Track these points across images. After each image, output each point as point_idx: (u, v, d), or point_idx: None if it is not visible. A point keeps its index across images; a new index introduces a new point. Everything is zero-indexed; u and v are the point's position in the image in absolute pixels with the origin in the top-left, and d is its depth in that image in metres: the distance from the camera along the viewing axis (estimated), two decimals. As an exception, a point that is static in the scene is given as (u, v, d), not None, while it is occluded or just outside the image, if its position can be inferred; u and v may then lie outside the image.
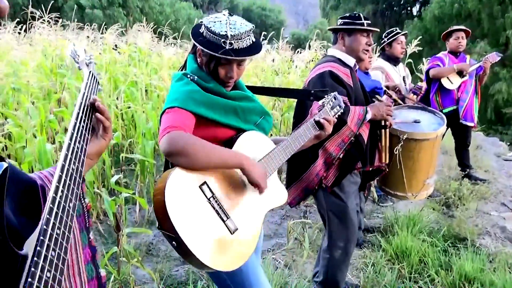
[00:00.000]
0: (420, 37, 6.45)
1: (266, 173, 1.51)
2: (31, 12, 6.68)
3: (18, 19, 6.57)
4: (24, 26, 6.49)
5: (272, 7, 35.36)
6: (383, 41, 3.85)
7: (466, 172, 4.66)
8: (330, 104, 1.85)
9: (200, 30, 1.50)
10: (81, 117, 1.00)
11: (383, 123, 2.45)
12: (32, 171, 3.23)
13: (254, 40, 1.51)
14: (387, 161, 2.54)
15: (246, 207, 1.50)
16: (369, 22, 2.33)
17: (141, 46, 5.98)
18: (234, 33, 1.44)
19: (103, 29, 6.95)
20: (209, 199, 1.38)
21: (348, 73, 2.26)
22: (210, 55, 1.48)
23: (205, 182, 1.39)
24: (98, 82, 1.22)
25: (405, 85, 3.81)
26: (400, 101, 3.35)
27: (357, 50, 2.31)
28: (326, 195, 2.32)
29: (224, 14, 1.52)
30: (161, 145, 1.34)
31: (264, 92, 2.23)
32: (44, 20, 6.23)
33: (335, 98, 1.88)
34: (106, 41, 6.25)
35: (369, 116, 2.25)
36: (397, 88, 3.40)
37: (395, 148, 2.80)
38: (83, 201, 1.04)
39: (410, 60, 6.19)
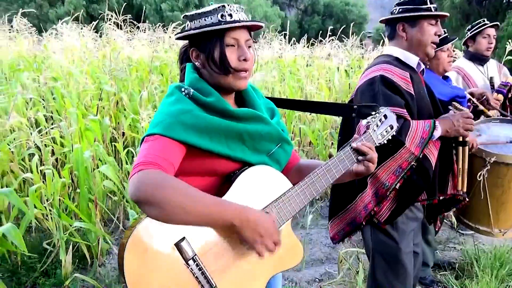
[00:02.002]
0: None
1: (271, 231, 1.10)
2: (107, 15, 6.96)
3: (94, 22, 6.86)
4: (97, 28, 6.77)
5: (355, 2, 33.83)
6: (466, 35, 3.15)
7: None
8: (377, 125, 1.39)
9: (186, 29, 1.21)
10: None
11: (461, 139, 1.92)
12: (72, 179, 3.22)
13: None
14: (465, 189, 1.98)
15: (242, 272, 1.13)
16: (435, 5, 1.82)
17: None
18: (229, 4, 1.16)
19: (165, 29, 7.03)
20: (187, 262, 1.04)
21: (407, 77, 1.77)
22: (211, 41, 1.16)
23: (184, 238, 1.05)
24: None
25: (494, 87, 3.09)
26: (489, 113, 2.69)
27: (425, 43, 1.82)
28: (373, 231, 1.86)
29: None
30: (129, 187, 1.02)
31: (293, 106, 1.83)
32: (114, 22, 6.42)
33: (385, 117, 1.42)
34: (171, 41, 6.25)
35: (437, 133, 1.75)
36: (485, 97, 2.72)
37: (479, 173, 2.24)
38: None
39: (510, 57, 5.22)
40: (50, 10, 18.38)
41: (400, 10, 1.85)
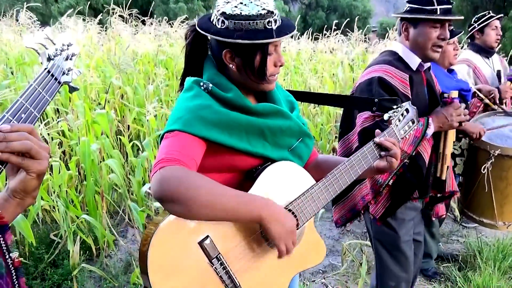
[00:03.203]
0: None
1: (293, 230, 1.10)
2: (113, 9, 6.97)
3: (101, 17, 6.87)
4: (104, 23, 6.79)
5: (360, -5, 33.54)
6: (472, 27, 3.13)
7: None
8: (399, 119, 1.36)
9: (220, 26, 1.11)
10: None
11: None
12: (79, 171, 3.26)
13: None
14: (443, 177, 1.93)
15: (265, 270, 1.13)
16: (446, 7, 1.72)
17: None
18: (272, 7, 1.09)
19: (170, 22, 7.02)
20: (211, 261, 1.03)
21: (406, 79, 1.75)
22: (253, 49, 1.10)
23: (207, 237, 1.04)
24: (59, 83, 0.89)
25: (500, 81, 3.08)
26: (493, 106, 2.69)
27: (424, 46, 1.76)
28: (373, 220, 1.90)
29: None
30: (151, 186, 0.99)
31: (312, 99, 1.84)
32: (121, 16, 6.44)
33: (407, 111, 1.40)
34: (176, 35, 6.26)
35: (431, 131, 1.75)
36: (493, 94, 2.70)
37: (484, 166, 2.25)
38: (7, 257, 0.76)
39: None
40: (52, 7, 18.39)
41: (408, 8, 1.80)
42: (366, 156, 1.26)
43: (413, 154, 1.71)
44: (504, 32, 3.26)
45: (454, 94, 1.85)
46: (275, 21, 1.09)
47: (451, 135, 1.90)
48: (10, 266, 0.76)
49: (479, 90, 2.73)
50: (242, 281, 1.07)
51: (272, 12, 1.09)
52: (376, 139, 1.28)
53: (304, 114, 4.72)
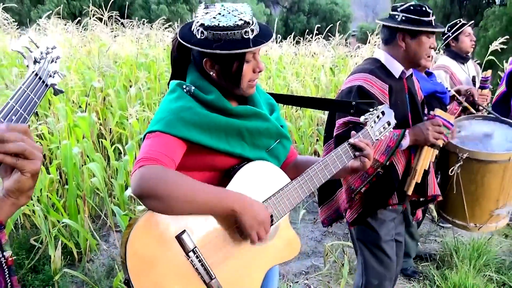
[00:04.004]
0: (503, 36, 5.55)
1: (267, 217, 1.16)
2: (92, 11, 6.89)
3: (79, 18, 6.78)
4: (79, 24, 6.70)
5: (341, 0, 34.05)
6: (446, 36, 3.26)
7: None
8: (375, 121, 1.42)
9: (200, 36, 1.16)
10: None
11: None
12: (61, 175, 3.22)
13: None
14: (410, 192, 1.91)
15: (240, 263, 1.17)
16: (434, 18, 1.78)
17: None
18: (249, 17, 1.14)
19: (154, 24, 6.98)
20: (187, 254, 1.07)
21: (385, 89, 1.78)
22: (230, 58, 1.15)
23: (184, 231, 1.08)
24: (46, 85, 0.92)
25: (475, 86, 3.20)
26: (472, 109, 2.77)
27: (420, 56, 1.80)
28: (347, 223, 1.97)
29: (208, 6, 1.18)
30: (131, 183, 1.05)
31: (292, 102, 1.88)
32: (99, 17, 6.36)
33: (383, 113, 1.45)
34: (158, 38, 6.23)
35: (406, 143, 1.78)
36: (470, 93, 2.78)
37: (451, 169, 2.30)
38: (1, 256, 0.76)
39: (492, 57, 5.36)
40: (31, 12, 18.04)
41: (403, 18, 1.79)
42: (340, 156, 1.32)
43: (387, 163, 1.74)
44: (475, 41, 3.39)
45: (438, 112, 1.88)
46: (252, 30, 1.14)
47: (427, 151, 1.87)
48: (3, 265, 0.77)
49: (458, 92, 2.78)
50: (218, 273, 1.11)
51: (249, 23, 1.13)
52: (351, 140, 1.34)
53: (286, 118, 4.77)
